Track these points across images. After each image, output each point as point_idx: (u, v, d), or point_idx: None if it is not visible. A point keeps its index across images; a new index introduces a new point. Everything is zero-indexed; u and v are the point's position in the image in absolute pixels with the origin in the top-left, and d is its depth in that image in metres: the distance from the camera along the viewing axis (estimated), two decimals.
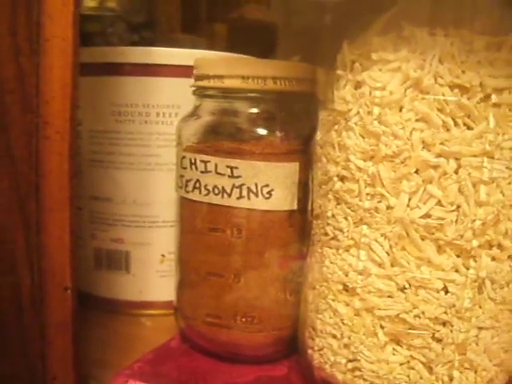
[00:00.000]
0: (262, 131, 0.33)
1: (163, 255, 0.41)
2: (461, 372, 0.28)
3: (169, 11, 0.71)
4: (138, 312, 0.42)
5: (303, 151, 0.32)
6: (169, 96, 0.39)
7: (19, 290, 0.26)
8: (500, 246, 0.28)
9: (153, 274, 0.41)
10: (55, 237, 0.26)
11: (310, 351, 0.32)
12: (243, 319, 0.34)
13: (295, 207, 0.33)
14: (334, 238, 0.29)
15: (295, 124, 0.33)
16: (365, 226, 0.28)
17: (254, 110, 0.33)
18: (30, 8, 0.24)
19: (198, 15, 0.74)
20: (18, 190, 0.26)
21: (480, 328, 0.28)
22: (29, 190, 0.26)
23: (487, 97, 0.26)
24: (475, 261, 0.27)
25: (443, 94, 0.26)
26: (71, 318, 0.27)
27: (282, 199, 0.32)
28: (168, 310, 0.40)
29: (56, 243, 0.26)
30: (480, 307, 0.28)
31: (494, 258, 0.28)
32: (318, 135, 0.31)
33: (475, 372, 0.29)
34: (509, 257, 0.28)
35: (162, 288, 0.41)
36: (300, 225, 0.33)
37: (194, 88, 0.35)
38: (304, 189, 0.33)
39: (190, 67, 0.35)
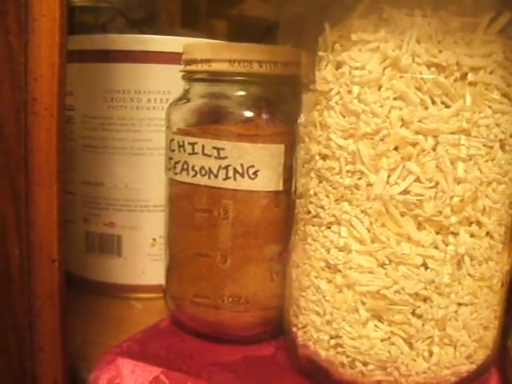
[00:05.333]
0: (248, 113, 0.34)
1: (154, 239, 0.41)
2: (440, 347, 0.29)
3: (169, 7, 0.71)
4: (129, 295, 0.42)
5: (289, 133, 0.33)
6: (160, 82, 0.40)
7: (8, 262, 0.27)
8: (478, 223, 0.28)
9: (144, 258, 0.42)
10: (43, 210, 0.27)
11: (294, 329, 0.32)
12: (230, 299, 0.34)
13: (281, 188, 0.34)
14: (316, 215, 0.30)
15: (282, 107, 0.34)
16: (345, 203, 0.29)
17: (241, 93, 0.34)
18: None
19: (198, 11, 0.75)
20: (7, 164, 0.27)
21: (459, 304, 0.29)
22: (18, 165, 0.27)
23: (464, 75, 0.27)
24: (454, 237, 0.28)
25: (420, 73, 0.27)
26: (58, 289, 0.27)
27: (268, 180, 0.33)
28: (159, 293, 0.40)
29: (44, 217, 0.27)
30: (459, 283, 0.28)
31: (472, 235, 0.28)
32: (302, 116, 0.31)
33: (454, 348, 0.29)
34: (487, 233, 0.29)
35: (153, 271, 0.42)
36: (286, 206, 0.34)
37: (183, 73, 0.36)
38: (290, 170, 0.33)
39: (180, 54, 0.36)
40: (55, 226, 0.27)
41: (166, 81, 0.40)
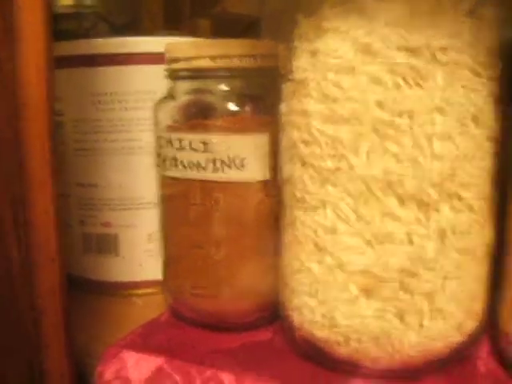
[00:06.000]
0: (232, 107, 0.35)
1: (150, 235, 0.42)
2: (431, 320, 0.30)
3: (152, 10, 0.72)
4: (128, 292, 0.43)
5: (273, 123, 0.34)
6: (145, 83, 0.41)
7: (9, 263, 0.28)
8: (459, 198, 0.29)
9: (141, 254, 0.43)
10: (40, 212, 0.28)
11: (289, 312, 0.33)
12: (226, 288, 0.35)
13: (268, 177, 0.35)
14: (303, 200, 0.31)
15: (265, 98, 0.35)
16: (329, 186, 0.29)
17: (224, 88, 0.35)
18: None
19: (181, 12, 0.75)
20: (3, 169, 0.28)
21: (446, 277, 0.30)
22: (13, 170, 0.28)
23: (434, 56, 0.28)
24: (436, 212, 0.29)
25: (392, 56, 0.28)
26: (60, 287, 0.28)
27: (255, 170, 0.34)
28: (158, 288, 0.41)
29: (42, 218, 0.28)
30: (444, 257, 0.29)
31: (453, 209, 0.29)
32: (283, 106, 0.32)
33: (444, 320, 0.30)
34: (468, 207, 0.30)
35: (151, 267, 0.43)
36: (275, 194, 0.35)
37: (166, 72, 0.37)
38: (276, 159, 0.34)
39: (163, 54, 0.37)
40: (53, 226, 0.28)
41: (151, 81, 0.41)
